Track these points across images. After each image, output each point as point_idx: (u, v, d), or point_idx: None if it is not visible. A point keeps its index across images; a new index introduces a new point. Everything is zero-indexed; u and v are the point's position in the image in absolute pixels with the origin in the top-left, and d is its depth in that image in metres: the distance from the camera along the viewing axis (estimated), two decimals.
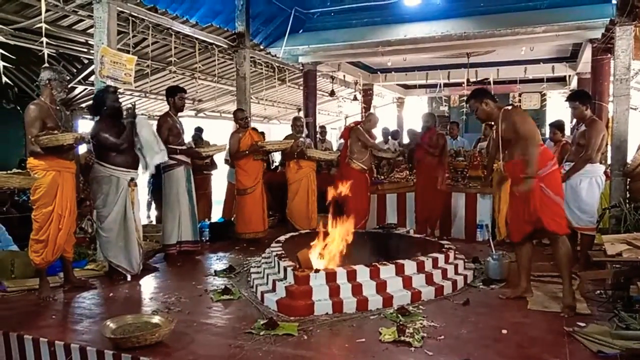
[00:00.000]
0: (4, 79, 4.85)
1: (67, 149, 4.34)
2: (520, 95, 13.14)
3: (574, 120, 5.89)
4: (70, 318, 3.93)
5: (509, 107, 4.09)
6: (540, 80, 11.49)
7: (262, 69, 9.48)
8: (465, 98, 11.20)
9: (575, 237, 4.99)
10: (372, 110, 12.80)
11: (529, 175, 3.78)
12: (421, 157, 6.92)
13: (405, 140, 10.54)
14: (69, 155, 4.46)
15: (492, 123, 4.40)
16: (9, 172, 4.04)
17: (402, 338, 3.30)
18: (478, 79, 11.51)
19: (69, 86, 6.51)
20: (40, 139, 4.15)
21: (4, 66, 4.79)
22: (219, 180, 9.09)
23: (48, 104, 4.36)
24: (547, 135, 8.50)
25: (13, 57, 4.94)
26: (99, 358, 3.23)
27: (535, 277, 4.63)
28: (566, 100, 5.26)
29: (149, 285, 4.88)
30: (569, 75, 11.65)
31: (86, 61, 7.53)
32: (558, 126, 6.27)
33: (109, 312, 3.93)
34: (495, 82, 11.71)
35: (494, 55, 10.45)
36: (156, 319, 3.55)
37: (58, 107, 4.45)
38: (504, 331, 3.50)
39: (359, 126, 6.97)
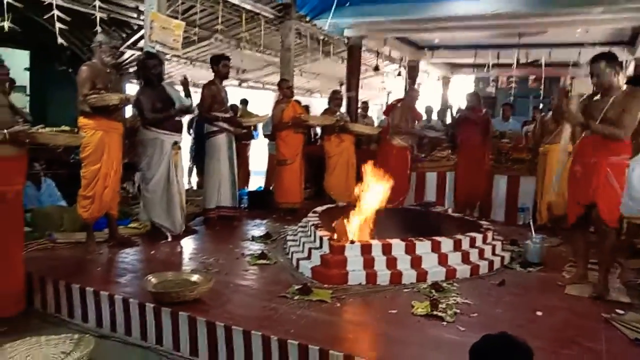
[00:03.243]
0: (59, 40, 5.02)
1: (113, 109, 4.47)
2: (572, 79, 12.65)
3: None
4: (114, 271, 4.12)
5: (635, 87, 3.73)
6: None
7: (306, 41, 9.43)
8: (513, 79, 10.95)
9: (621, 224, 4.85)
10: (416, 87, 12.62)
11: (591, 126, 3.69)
12: (465, 137, 6.80)
13: (449, 119, 10.34)
14: (117, 116, 4.61)
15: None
16: (55, 129, 4.18)
17: (435, 312, 3.31)
18: (528, 60, 11.13)
19: (120, 50, 6.68)
20: (89, 98, 4.30)
21: (59, 28, 4.96)
22: (260, 152, 9.21)
23: (100, 65, 4.49)
24: None
25: (68, 18, 5.07)
26: (140, 310, 3.37)
27: (575, 263, 4.54)
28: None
29: (188, 246, 5.04)
30: (626, 61, 11.12)
31: (136, 27, 7.65)
32: None
33: (150, 268, 4.06)
34: (546, 65, 11.29)
35: (547, 36, 10.02)
36: (195, 277, 3.68)
37: (109, 70, 4.58)
38: (539, 313, 3.46)
39: (399, 104, 6.95)
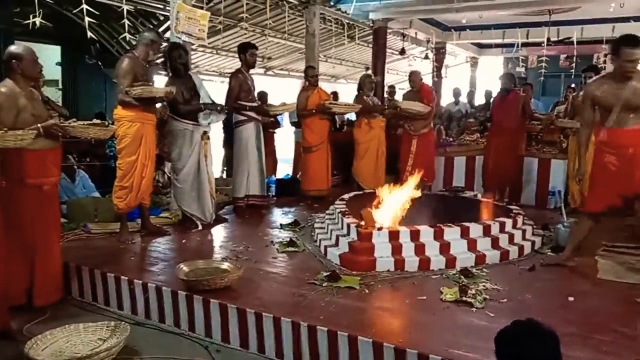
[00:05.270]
0: (89, 34, 5.13)
1: (153, 101, 4.58)
2: (605, 56, 12.24)
3: None
4: (147, 260, 4.22)
5: None
6: None
7: (331, 25, 9.37)
8: (544, 58, 10.67)
9: None
10: (443, 71, 12.44)
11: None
12: (499, 120, 6.63)
13: (477, 101, 10.17)
14: (152, 107, 4.70)
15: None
16: (86, 122, 4.27)
17: (464, 298, 3.30)
18: (559, 38, 10.82)
19: None
20: (135, 90, 4.38)
21: (88, 22, 5.05)
22: (287, 140, 9.24)
23: (140, 59, 4.58)
24: None
25: (97, 12, 5.16)
26: (173, 297, 3.46)
27: (609, 248, 4.44)
28: None
29: (218, 234, 5.12)
30: None
31: (162, 18, 7.73)
32: None
33: (181, 257, 4.14)
34: (578, 42, 10.97)
35: (579, 12, 9.73)
36: (225, 265, 3.76)
37: (146, 65, 4.67)
38: (571, 298, 3.42)
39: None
